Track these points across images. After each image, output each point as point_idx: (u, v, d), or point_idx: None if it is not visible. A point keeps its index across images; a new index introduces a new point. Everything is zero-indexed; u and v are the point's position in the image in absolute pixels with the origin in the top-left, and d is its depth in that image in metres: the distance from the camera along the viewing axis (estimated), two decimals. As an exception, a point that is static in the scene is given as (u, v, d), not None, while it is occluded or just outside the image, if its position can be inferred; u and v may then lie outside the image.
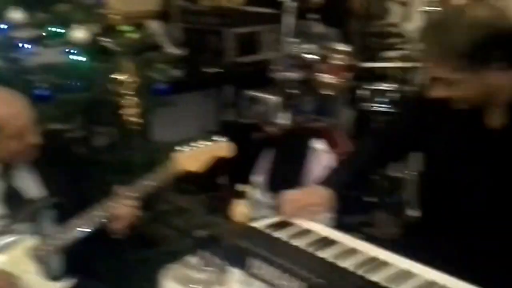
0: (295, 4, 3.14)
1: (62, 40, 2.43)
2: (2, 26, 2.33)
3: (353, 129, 3.71)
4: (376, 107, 3.33)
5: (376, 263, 1.46)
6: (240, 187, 1.77)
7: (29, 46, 2.37)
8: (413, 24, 3.72)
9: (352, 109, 3.58)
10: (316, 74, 3.17)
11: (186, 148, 1.97)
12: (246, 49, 4.07)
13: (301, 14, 3.44)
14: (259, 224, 1.66)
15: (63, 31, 2.42)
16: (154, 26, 3.83)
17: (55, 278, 1.84)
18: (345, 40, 3.53)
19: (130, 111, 2.45)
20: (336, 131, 3.23)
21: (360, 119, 3.62)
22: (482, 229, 1.66)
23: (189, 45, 3.97)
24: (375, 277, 1.39)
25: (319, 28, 3.42)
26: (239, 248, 1.50)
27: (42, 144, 1.88)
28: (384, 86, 3.33)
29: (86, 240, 1.84)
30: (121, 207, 1.88)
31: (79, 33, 2.42)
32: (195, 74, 3.86)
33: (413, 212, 3.11)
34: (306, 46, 3.25)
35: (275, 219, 1.71)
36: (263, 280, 1.43)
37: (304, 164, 3.07)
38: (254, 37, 4.13)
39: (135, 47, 2.60)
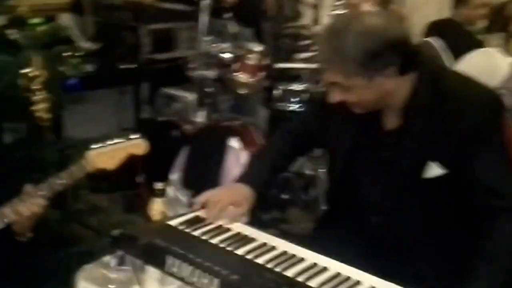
0: (208, 2, 3.15)
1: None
2: None
3: (269, 128, 3.77)
4: (290, 106, 3.41)
5: (290, 259, 1.49)
6: (157, 185, 1.76)
7: None
8: (322, 27, 3.83)
9: (268, 108, 3.64)
10: (232, 73, 3.20)
11: (100, 146, 1.94)
12: (162, 46, 4.04)
13: (218, 12, 3.45)
14: (175, 222, 1.66)
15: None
16: (66, 19, 3.72)
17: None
18: (259, 40, 3.58)
19: (41, 107, 2.37)
20: (252, 130, 3.27)
21: (275, 118, 3.68)
22: (381, 222, 1.76)
23: (103, 40, 3.88)
24: (289, 272, 1.42)
25: (233, 27, 3.45)
26: (155, 246, 1.49)
27: None
28: (297, 87, 3.41)
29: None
30: (29, 206, 1.82)
31: (-15, 26, 2.32)
32: (109, 70, 3.79)
33: (325, 208, 3.21)
34: (221, 45, 3.27)
35: (191, 216, 1.70)
36: (179, 278, 1.43)
37: (220, 162, 3.09)
38: (170, 34, 4.10)
39: (44, 40, 2.53)
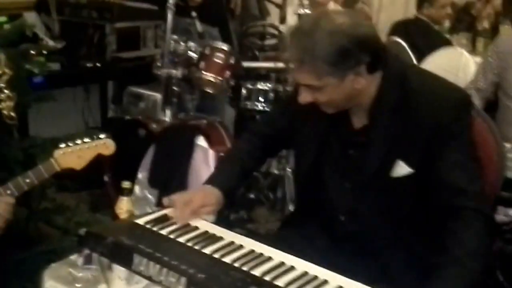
0: (174, 0, 3.14)
1: None
2: None
3: (236, 127, 3.79)
4: (257, 105, 3.43)
5: (257, 258, 1.50)
6: (124, 183, 1.76)
7: None
8: (288, 26, 3.87)
9: (235, 108, 3.66)
10: (198, 72, 3.20)
11: (68, 145, 1.93)
12: (128, 45, 4.02)
13: (184, 11, 3.45)
14: (143, 221, 1.65)
15: None
16: (31, 17, 3.68)
17: None
18: (226, 39, 3.59)
19: (6, 105, 2.35)
20: (219, 129, 3.28)
21: (242, 117, 3.70)
22: (348, 221, 1.77)
23: (68, 38, 3.85)
24: (256, 271, 1.43)
25: (199, 26, 3.45)
26: (122, 245, 1.49)
27: None
28: (264, 86, 3.44)
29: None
30: None
31: None
32: (75, 68, 3.76)
33: (292, 207, 3.25)
34: (188, 43, 3.28)
35: (158, 215, 1.70)
36: (147, 277, 1.43)
37: (187, 161, 3.09)
38: (136, 33, 4.09)
39: (10, 38, 2.50)
